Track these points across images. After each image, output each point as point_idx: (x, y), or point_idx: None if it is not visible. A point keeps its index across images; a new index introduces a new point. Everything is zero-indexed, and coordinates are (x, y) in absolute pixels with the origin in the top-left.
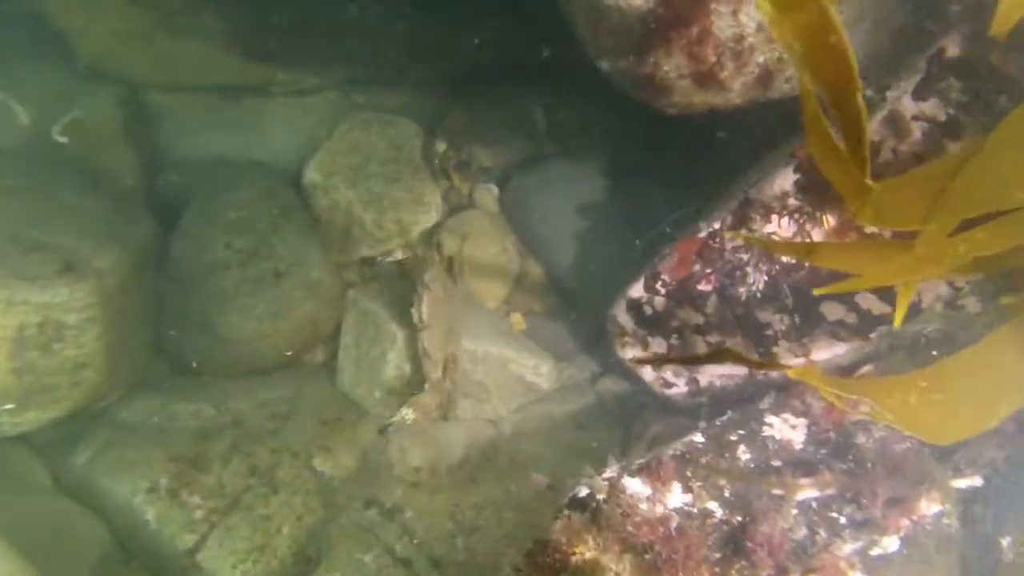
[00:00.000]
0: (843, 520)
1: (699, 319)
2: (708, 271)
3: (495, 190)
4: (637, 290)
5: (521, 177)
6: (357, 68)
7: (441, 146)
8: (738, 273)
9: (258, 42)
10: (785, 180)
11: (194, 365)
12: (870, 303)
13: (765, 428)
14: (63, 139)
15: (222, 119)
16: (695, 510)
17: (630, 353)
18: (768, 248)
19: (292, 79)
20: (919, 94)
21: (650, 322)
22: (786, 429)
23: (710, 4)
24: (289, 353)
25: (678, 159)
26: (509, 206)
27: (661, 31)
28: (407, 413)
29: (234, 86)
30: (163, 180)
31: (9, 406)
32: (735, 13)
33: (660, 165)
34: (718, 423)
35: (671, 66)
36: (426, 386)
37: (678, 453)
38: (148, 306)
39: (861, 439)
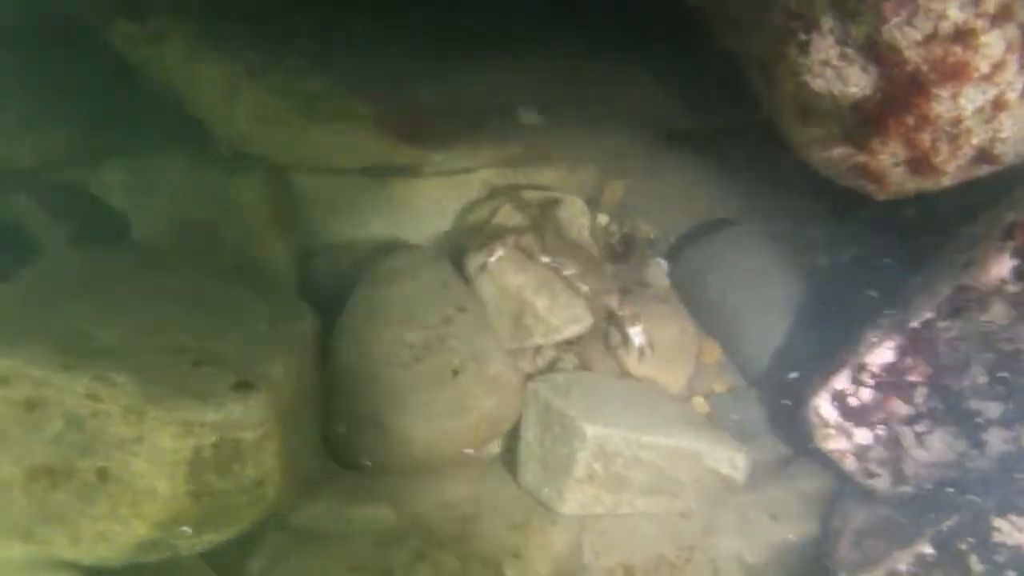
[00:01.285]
0: None
1: (908, 410)
2: (920, 362)
3: (664, 264)
4: (842, 381)
5: (693, 249)
6: (511, 146)
7: (603, 219)
8: (953, 364)
9: (408, 123)
10: (1002, 266)
11: (367, 464)
12: None
13: (994, 533)
14: None
15: (371, 200)
16: None
17: (833, 445)
18: None
19: (444, 159)
20: None
21: (855, 413)
22: (1016, 534)
23: (931, 89)
24: (469, 451)
25: (865, 234)
26: (681, 280)
27: (878, 119)
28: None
29: (383, 168)
30: (315, 265)
31: (186, 529)
32: (955, 97)
33: (845, 237)
34: (944, 528)
35: (887, 154)
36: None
37: (911, 570)
38: (315, 403)
39: None
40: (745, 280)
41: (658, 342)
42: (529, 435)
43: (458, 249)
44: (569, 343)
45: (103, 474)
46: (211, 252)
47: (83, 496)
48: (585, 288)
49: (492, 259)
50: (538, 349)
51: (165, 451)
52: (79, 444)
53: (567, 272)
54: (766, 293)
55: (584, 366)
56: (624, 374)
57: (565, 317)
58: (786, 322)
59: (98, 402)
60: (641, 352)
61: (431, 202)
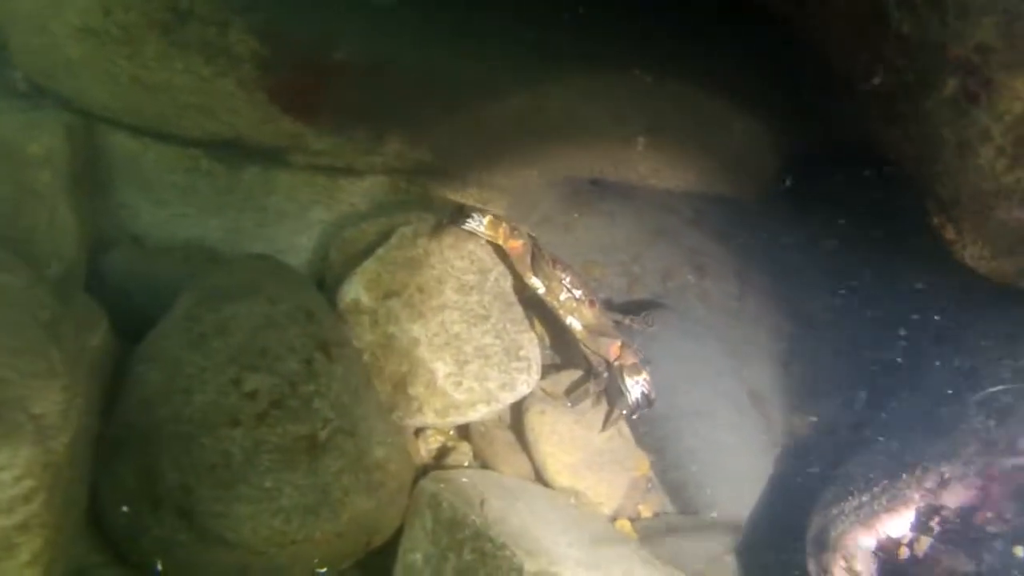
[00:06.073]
0: None
1: (970, 567)
2: (1009, 509)
3: None
4: (901, 526)
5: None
6: (422, 150)
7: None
8: None
9: (298, 85)
10: None
11: (158, 567)
12: None
13: None
14: None
15: (212, 188)
16: None
17: None
18: None
19: (327, 148)
20: None
21: (900, 570)
22: None
23: None
24: (323, 570)
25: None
26: None
27: None
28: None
29: (241, 143)
30: (115, 258)
31: None
32: None
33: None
34: None
35: None
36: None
37: None
38: (88, 458)
39: None
40: (686, 381)
41: (594, 445)
42: (415, 557)
43: (326, 276)
44: (465, 428)
45: None
46: None
47: None
48: (588, 313)
49: (472, 223)
50: (420, 431)
51: None
52: None
53: (578, 292)
54: (713, 402)
55: (484, 463)
56: (540, 479)
57: (476, 393)
58: (731, 439)
59: None
60: (636, 408)
61: (294, 207)
